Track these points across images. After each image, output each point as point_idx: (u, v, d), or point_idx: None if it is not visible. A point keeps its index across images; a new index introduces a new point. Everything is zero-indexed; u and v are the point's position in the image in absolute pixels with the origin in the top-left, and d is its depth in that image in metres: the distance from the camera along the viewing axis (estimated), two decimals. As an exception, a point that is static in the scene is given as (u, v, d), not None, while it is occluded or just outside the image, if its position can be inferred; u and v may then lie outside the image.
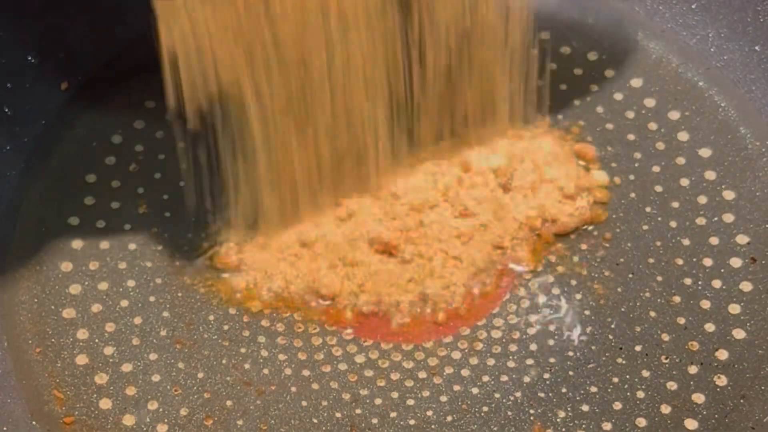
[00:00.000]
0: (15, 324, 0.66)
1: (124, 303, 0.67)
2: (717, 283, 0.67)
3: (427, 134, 0.69)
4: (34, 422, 0.62)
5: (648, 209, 0.70)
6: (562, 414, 0.62)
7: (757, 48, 0.74)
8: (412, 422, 0.63)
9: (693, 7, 0.77)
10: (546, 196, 0.69)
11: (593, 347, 0.65)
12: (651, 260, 0.68)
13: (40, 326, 0.66)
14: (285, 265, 0.67)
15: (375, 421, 0.63)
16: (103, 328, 0.66)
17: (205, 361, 0.65)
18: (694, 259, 0.67)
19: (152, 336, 0.66)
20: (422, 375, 0.64)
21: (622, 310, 0.66)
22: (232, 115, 0.63)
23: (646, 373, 0.64)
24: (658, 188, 0.71)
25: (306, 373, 0.64)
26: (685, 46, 0.76)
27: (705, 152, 0.72)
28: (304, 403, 0.63)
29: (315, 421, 0.63)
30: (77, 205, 0.70)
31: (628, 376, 0.64)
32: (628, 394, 0.63)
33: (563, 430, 0.62)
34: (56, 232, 0.69)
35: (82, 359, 0.65)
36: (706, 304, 0.66)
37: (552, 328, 0.66)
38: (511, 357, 0.65)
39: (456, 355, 0.65)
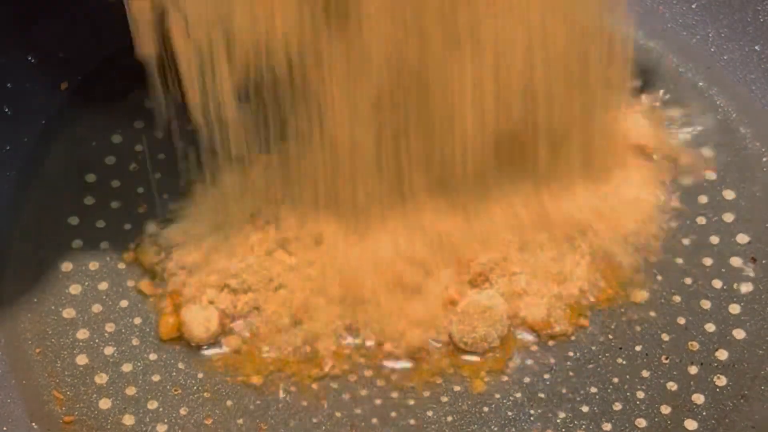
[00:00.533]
0: (15, 324, 0.66)
1: (124, 303, 0.67)
2: (717, 283, 0.66)
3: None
4: (33, 423, 0.62)
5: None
6: (562, 414, 0.62)
7: (757, 48, 0.74)
8: (412, 422, 0.63)
9: (693, 6, 0.77)
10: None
11: (593, 347, 0.65)
12: (651, 260, 0.68)
13: (40, 326, 0.66)
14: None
15: (375, 420, 0.63)
16: (103, 328, 0.66)
17: (205, 361, 0.65)
18: (694, 259, 0.67)
19: (152, 336, 0.66)
20: (422, 375, 0.64)
21: (622, 310, 0.66)
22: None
23: (646, 374, 0.63)
24: (658, 188, 0.71)
25: (306, 372, 0.64)
26: (685, 46, 0.76)
27: (705, 152, 0.72)
28: (303, 403, 0.63)
29: (315, 420, 0.63)
30: (77, 205, 0.70)
31: (628, 377, 0.63)
32: (628, 394, 0.63)
33: (563, 430, 0.62)
34: (56, 232, 0.69)
35: (82, 359, 0.65)
36: (706, 304, 0.66)
37: (552, 328, 0.66)
38: (511, 357, 0.65)
39: (456, 355, 0.65)
